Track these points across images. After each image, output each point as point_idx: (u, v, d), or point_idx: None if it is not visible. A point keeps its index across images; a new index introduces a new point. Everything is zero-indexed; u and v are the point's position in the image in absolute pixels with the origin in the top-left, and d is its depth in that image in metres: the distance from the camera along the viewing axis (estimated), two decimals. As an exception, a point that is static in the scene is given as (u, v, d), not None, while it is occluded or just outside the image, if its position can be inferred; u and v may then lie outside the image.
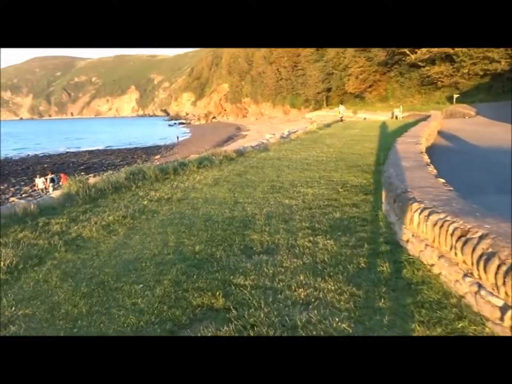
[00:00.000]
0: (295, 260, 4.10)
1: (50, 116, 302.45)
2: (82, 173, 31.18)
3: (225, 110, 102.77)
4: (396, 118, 38.78)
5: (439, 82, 46.85)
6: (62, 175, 24.65)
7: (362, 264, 3.91)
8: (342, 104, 37.66)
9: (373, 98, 55.50)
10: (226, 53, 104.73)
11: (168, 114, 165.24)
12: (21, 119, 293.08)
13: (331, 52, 61.52)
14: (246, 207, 6.41)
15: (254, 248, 4.54)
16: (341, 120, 33.80)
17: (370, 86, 55.45)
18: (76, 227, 5.51)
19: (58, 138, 74.87)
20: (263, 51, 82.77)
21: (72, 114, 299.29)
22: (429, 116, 33.77)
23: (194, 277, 3.76)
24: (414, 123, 27.70)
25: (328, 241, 4.65)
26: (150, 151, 46.06)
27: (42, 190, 20.91)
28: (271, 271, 3.82)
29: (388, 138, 17.49)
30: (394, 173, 5.68)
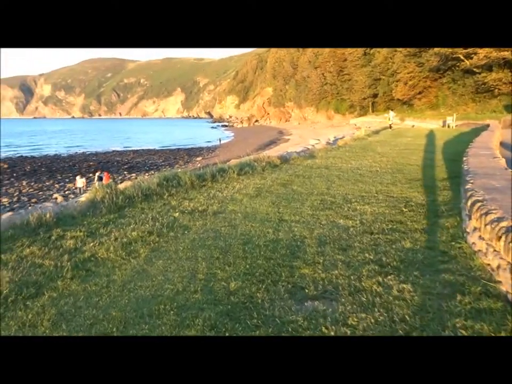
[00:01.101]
0: (364, 316, 3.00)
1: (100, 115, 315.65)
2: (125, 172, 31.95)
3: (268, 114, 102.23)
4: (448, 126, 36.34)
5: (496, 90, 43.91)
6: (105, 173, 24.65)
7: (462, 331, 2.74)
8: (392, 110, 35.65)
9: (422, 105, 53.11)
10: (271, 57, 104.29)
11: (211, 116, 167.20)
12: (73, 117, 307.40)
13: (379, 57, 59.34)
14: (292, 227, 5.37)
15: (306, 290, 3.49)
16: (390, 127, 31.98)
17: (419, 93, 53.01)
18: (92, 243, 4.67)
19: (106, 137, 76.89)
20: (308, 55, 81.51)
21: (120, 114, 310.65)
22: (486, 126, 31.39)
23: (226, 333, 2.76)
24: (470, 133, 25.65)
25: (404, 285, 3.51)
26: (192, 153, 46.13)
27: (80, 189, 20.80)
28: (331, 333, 2.75)
29: (447, 148, 15.85)
30: (486, 196, 4.43)
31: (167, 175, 8.13)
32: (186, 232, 5.22)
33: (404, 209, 6.32)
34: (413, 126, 38.61)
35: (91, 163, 37.48)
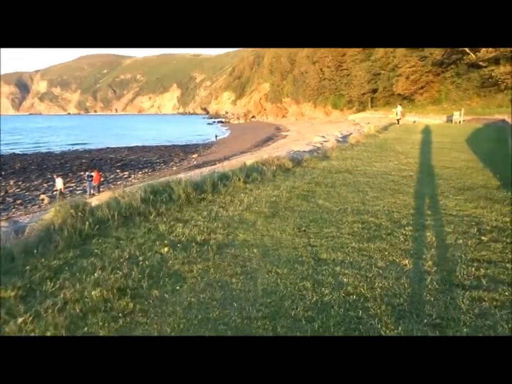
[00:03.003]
0: None
1: (96, 111, 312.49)
2: (118, 170, 30.06)
3: (264, 110, 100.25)
4: (456, 122, 34.61)
5: (502, 84, 42.44)
6: (95, 172, 22.72)
7: None
8: (400, 105, 33.71)
9: (424, 100, 51.87)
10: (269, 53, 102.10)
11: (208, 112, 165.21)
12: (69, 114, 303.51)
13: (379, 51, 57.57)
14: (338, 275, 3.56)
15: None
16: (398, 122, 30.19)
17: (421, 88, 51.63)
18: (20, 318, 2.82)
19: (101, 133, 74.55)
20: (306, 50, 79.47)
21: (116, 110, 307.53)
22: (500, 121, 29.63)
23: None
24: (487, 129, 23.87)
25: None
26: (187, 150, 44.54)
27: (59, 191, 18.71)
28: None
29: (475, 146, 14.06)
30: None
31: (155, 187, 6.29)
32: (178, 287, 3.37)
33: (482, 237, 4.53)
34: (414, 121, 36.75)
35: (83, 160, 35.65)
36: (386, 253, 4.11)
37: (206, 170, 26.85)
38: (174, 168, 30.96)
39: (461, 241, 4.44)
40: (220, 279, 3.53)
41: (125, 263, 3.84)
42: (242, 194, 6.84)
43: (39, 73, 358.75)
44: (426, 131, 22.78)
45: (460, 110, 37.57)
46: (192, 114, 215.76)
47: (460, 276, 3.53)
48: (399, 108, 31.08)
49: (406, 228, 4.91)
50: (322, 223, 5.16)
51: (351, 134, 23.50)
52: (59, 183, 19.01)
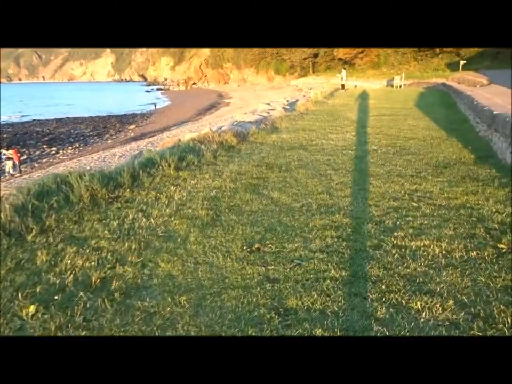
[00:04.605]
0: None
1: (20, 79, 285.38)
2: (45, 146, 26.71)
3: (205, 76, 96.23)
4: (397, 86, 34.44)
5: (437, 49, 43.32)
6: (14, 151, 19.69)
7: None
8: (344, 69, 32.58)
9: (364, 64, 52.36)
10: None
11: (145, 79, 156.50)
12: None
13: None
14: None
15: None
16: (342, 87, 29.19)
17: (361, 52, 51.86)
18: None
19: (26, 104, 67.26)
20: (246, 11, 76.29)
21: (43, 78, 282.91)
22: (440, 84, 29.59)
23: None
24: (431, 93, 23.48)
25: None
26: (124, 120, 41.23)
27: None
28: None
29: (428, 113, 13.19)
30: None
31: (46, 184, 4.46)
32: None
33: (498, 244, 3.29)
34: (355, 86, 36.16)
35: (5, 135, 31.23)
36: (383, 287, 2.72)
37: (143, 143, 24.55)
38: (109, 141, 28.30)
39: (474, 253, 3.17)
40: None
41: None
42: (172, 187, 5.15)
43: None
44: (373, 96, 21.87)
45: (399, 74, 37.50)
46: (129, 81, 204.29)
47: (498, 323, 2.24)
48: (344, 73, 29.97)
49: (396, 234, 3.56)
50: (281, 232, 3.66)
51: (297, 100, 22.11)
52: None
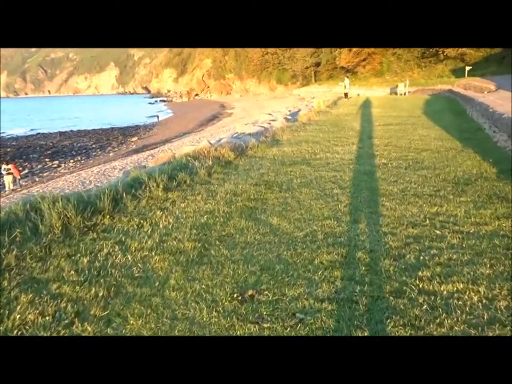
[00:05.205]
0: None
1: (26, 93, 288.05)
2: (47, 159, 26.28)
3: (208, 87, 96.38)
4: (401, 94, 33.90)
5: (441, 55, 42.86)
6: (12, 165, 19.28)
7: None
8: (347, 77, 32.06)
9: (367, 72, 52.10)
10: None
11: (149, 91, 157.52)
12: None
13: (321, 23, 56.47)
14: None
15: None
16: (345, 96, 28.61)
17: (364, 60, 51.63)
18: None
19: (31, 118, 67.40)
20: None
21: (49, 92, 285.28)
22: (446, 91, 28.97)
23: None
24: (439, 101, 22.84)
25: None
26: (127, 132, 41.28)
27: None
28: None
29: (439, 121, 12.56)
30: None
31: (13, 212, 3.88)
32: None
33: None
34: (358, 94, 35.64)
35: (8, 149, 31.04)
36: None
37: (144, 155, 24.11)
38: (111, 154, 28.04)
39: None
40: None
41: None
42: (159, 211, 4.54)
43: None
44: (378, 104, 21.32)
45: (403, 81, 36.98)
46: (132, 93, 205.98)
47: None
48: (347, 81, 29.47)
49: (420, 274, 2.92)
50: (281, 272, 3.03)
51: (300, 110, 21.55)
52: None
